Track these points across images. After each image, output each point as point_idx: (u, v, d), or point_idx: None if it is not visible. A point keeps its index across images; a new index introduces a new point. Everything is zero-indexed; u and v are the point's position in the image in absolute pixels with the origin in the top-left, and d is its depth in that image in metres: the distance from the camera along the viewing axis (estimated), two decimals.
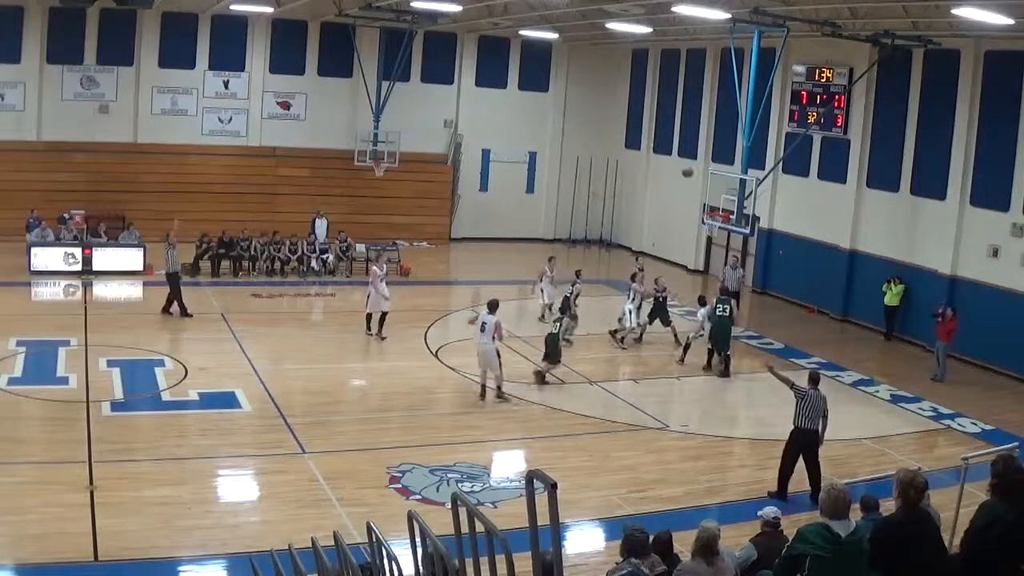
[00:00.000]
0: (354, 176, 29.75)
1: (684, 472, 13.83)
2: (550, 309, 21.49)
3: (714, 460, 14.38)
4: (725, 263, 25.33)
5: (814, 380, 12.98)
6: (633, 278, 21.45)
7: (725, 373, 18.83)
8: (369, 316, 20.16)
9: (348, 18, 27.00)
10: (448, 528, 4.84)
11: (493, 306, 16.51)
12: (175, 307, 20.74)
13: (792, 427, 12.79)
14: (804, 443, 12.66)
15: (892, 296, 22.43)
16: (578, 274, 22.00)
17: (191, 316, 20.66)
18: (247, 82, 29.91)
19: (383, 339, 19.84)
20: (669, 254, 30.53)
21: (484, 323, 16.26)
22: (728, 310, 19.18)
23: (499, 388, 16.55)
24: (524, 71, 32.93)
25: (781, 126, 26.39)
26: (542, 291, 22.06)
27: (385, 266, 21.15)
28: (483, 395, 16.53)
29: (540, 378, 17.68)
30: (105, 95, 28.35)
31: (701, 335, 19.56)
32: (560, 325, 18.50)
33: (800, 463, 12.70)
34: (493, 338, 16.17)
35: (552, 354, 17.83)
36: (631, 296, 21.21)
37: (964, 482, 10.04)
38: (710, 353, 19.27)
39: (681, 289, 24.93)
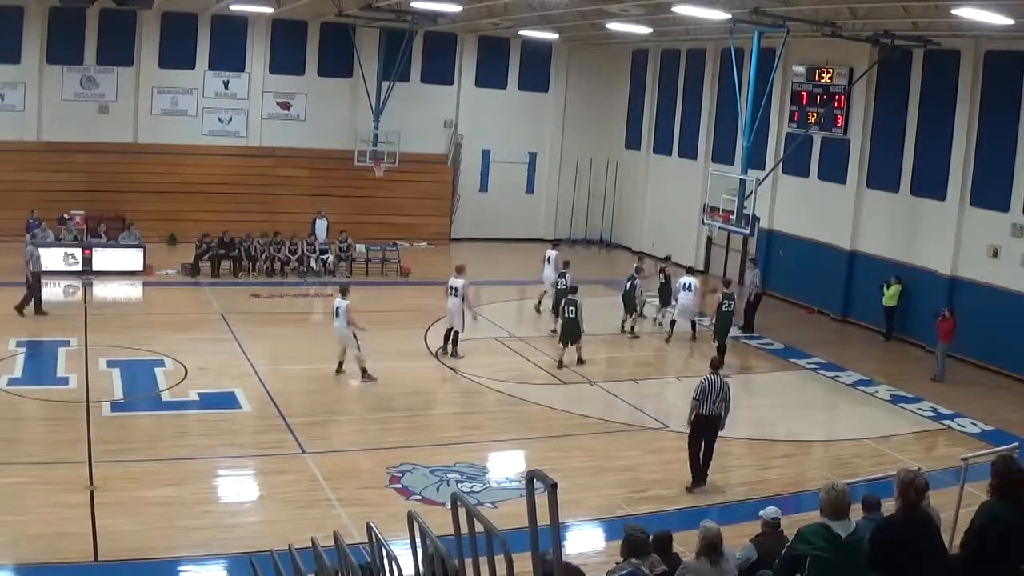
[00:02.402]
0: (354, 176, 29.74)
1: (684, 472, 13.80)
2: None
3: (714, 460, 14.33)
4: (743, 265, 25.33)
5: (714, 366, 13.50)
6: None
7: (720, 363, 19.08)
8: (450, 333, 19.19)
9: (348, 18, 26.98)
10: (448, 528, 4.84)
11: (344, 291, 17.50)
12: (31, 306, 20.19)
13: (695, 415, 13.16)
14: (706, 428, 13.12)
15: (888, 296, 22.43)
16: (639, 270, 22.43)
17: (46, 314, 20.25)
18: (247, 82, 29.92)
19: (461, 357, 18.96)
20: (664, 253, 30.47)
21: (337, 307, 17.17)
22: (732, 306, 19.76)
23: (363, 370, 17.12)
24: (524, 71, 32.93)
25: (781, 126, 26.39)
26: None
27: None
28: (339, 370, 17.32)
29: (559, 365, 18.67)
30: (105, 95, 28.36)
31: (672, 307, 21.43)
32: (575, 309, 18.76)
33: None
34: (348, 322, 16.93)
35: (572, 335, 18.73)
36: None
37: (964, 482, 10.03)
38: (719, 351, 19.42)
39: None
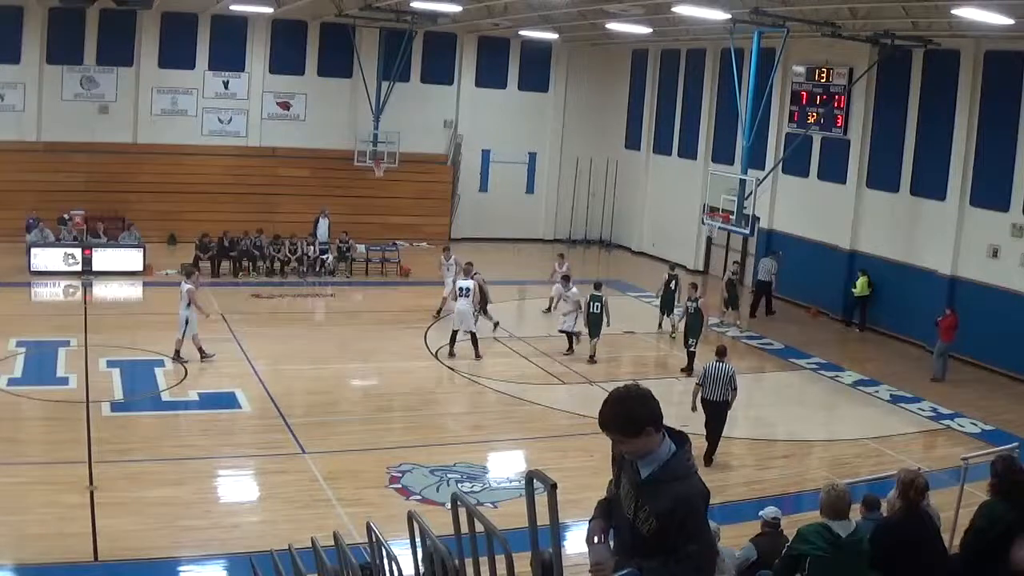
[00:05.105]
0: (354, 176, 29.73)
1: None
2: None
3: (717, 456, 14.34)
4: (765, 254, 25.54)
5: (719, 353, 14.15)
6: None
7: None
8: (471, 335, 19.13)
9: (348, 18, 26.99)
10: (448, 528, 4.84)
11: (189, 273, 18.42)
12: None
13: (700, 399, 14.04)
14: (711, 412, 13.87)
15: (859, 288, 22.88)
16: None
17: None
18: (247, 82, 29.90)
19: (481, 358, 18.91)
20: (669, 254, 30.44)
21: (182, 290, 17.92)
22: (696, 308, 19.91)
23: (177, 352, 17.51)
24: (524, 71, 32.92)
25: (781, 126, 26.37)
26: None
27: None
28: (176, 356, 17.53)
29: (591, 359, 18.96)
30: (105, 95, 28.34)
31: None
32: (600, 305, 19.14)
33: None
34: (189, 303, 17.51)
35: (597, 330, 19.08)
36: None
37: (964, 482, 10.03)
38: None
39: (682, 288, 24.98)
